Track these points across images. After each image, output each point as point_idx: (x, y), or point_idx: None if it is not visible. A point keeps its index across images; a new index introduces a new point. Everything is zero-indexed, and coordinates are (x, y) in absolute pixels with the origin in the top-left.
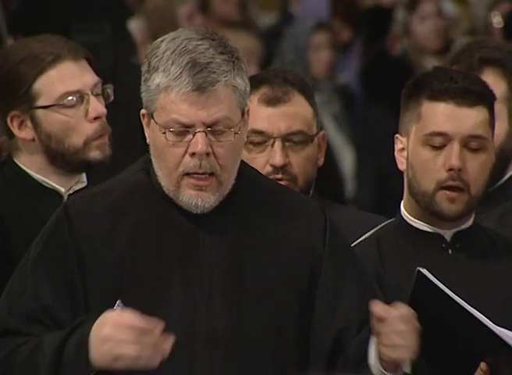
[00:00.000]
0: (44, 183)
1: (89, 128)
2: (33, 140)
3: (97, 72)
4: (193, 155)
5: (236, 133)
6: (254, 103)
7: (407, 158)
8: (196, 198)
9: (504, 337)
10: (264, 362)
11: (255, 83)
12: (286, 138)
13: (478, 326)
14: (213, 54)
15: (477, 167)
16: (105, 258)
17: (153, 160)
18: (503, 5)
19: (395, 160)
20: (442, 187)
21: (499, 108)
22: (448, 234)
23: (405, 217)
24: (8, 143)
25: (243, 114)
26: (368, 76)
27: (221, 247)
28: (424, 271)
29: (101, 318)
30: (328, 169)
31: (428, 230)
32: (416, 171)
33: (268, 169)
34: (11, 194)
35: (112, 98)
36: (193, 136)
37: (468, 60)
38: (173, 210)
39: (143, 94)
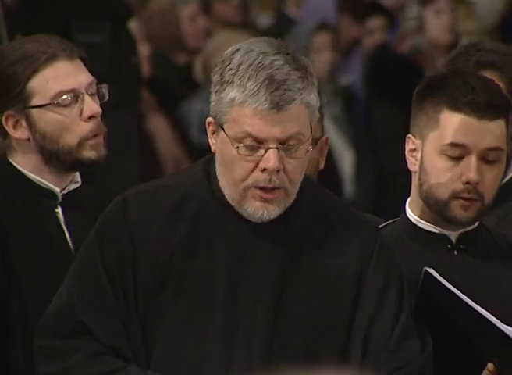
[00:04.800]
0: (39, 183)
1: (84, 127)
2: (28, 139)
3: (92, 72)
4: (264, 170)
5: (307, 150)
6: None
7: (421, 163)
8: (262, 210)
9: None
10: None
11: None
12: None
13: (486, 325)
14: (289, 70)
15: (492, 178)
16: (157, 257)
17: (218, 168)
18: None
19: (396, 161)
20: (456, 196)
21: None
22: (453, 235)
23: (410, 217)
24: (2, 143)
25: (311, 128)
26: (371, 75)
27: (271, 261)
28: (432, 271)
29: None
30: (327, 171)
31: (434, 230)
32: (431, 178)
33: None
34: (5, 194)
35: (106, 97)
36: (266, 152)
37: (465, 63)
38: (229, 217)
39: (212, 104)
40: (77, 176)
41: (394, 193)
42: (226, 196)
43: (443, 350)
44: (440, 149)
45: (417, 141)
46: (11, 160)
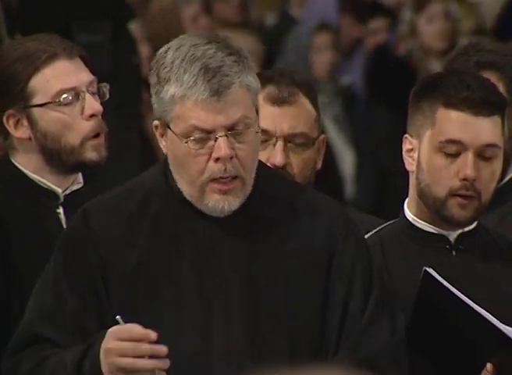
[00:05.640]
0: (40, 184)
1: (85, 126)
2: (30, 139)
3: (93, 71)
4: (217, 160)
5: (256, 132)
6: (259, 101)
7: (418, 162)
8: (222, 202)
9: None
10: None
11: (261, 81)
12: (288, 139)
13: (485, 326)
14: (222, 57)
15: (489, 175)
16: (123, 265)
17: (172, 169)
18: None
19: (395, 162)
20: (454, 194)
21: None
22: (452, 236)
23: (409, 218)
24: (4, 143)
25: (257, 112)
26: (371, 76)
27: (237, 254)
28: (431, 271)
29: (107, 333)
30: (328, 171)
31: (433, 231)
32: (428, 176)
33: None
34: (5, 194)
35: (107, 96)
36: (215, 141)
37: (465, 64)
38: (191, 215)
39: (155, 106)
40: (80, 176)
41: (394, 193)
42: (184, 193)
43: (442, 350)
44: (437, 146)
45: (414, 141)
46: (13, 160)
